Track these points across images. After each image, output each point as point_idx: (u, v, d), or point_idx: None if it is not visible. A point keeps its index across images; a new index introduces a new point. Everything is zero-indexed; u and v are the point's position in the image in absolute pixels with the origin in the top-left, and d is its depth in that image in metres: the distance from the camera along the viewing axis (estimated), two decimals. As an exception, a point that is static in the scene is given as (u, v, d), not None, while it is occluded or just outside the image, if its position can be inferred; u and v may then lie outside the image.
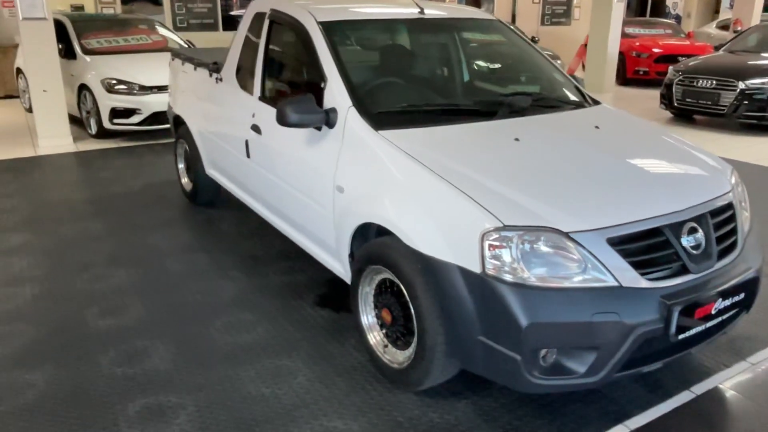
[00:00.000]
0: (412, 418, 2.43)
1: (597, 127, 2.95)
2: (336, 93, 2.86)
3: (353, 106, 2.78)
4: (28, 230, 4.46)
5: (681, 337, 2.22)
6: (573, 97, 3.38)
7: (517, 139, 2.66)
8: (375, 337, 2.70)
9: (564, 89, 3.47)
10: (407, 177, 2.44)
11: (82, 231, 4.45)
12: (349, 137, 2.75)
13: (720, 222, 2.46)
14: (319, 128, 2.90)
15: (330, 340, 2.99)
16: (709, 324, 2.31)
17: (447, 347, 2.31)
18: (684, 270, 2.26)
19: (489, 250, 2.11)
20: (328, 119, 2.83)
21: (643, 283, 2.17)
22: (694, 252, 2.30)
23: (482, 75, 3.68)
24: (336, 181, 2.78)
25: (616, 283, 2.13)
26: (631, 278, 2.15)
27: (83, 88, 7.19)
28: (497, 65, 3.83)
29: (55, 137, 6.93)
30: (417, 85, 3.32)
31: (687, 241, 2.28)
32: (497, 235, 2.11)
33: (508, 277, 2.10)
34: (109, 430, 2.36)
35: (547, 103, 3.21)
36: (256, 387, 2.63)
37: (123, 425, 2.39)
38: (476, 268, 2.14)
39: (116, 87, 6.92)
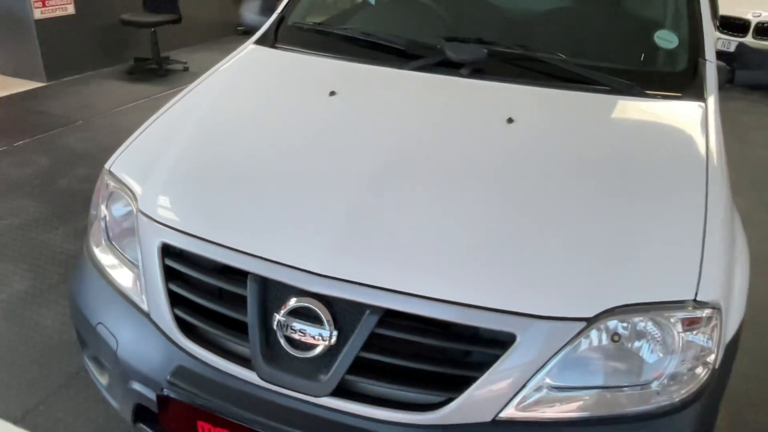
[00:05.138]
0: None
1: (510, 120, 1.62)
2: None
3: (283, 12, 2.33)
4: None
5: None
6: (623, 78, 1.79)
7: (333, 93, 1.78)
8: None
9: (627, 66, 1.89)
10: None
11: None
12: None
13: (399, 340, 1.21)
14: None
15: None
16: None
17: None
18: (246, 361, 1.29)
19: (103, 191, 1.68)
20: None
21: (174, 330, 1.36)
22: (290, 350, 1.25)
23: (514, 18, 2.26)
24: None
25: (145, 307, 1.42)
26: (159, 313, 1.38)
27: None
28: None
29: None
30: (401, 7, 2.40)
31: (280, 323, 1.24)
32: (104, 179, 1.66)
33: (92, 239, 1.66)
34: None
35: (551, 70, 1.82)
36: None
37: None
38: None
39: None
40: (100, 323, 1.48)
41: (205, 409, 1.27)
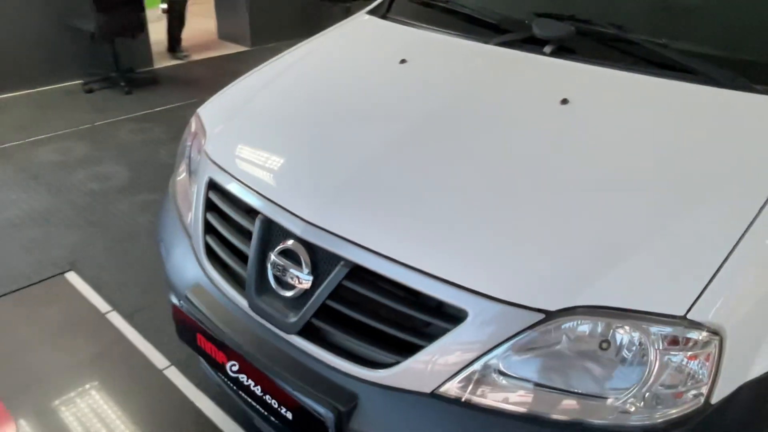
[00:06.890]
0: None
1: (565, 101, 1.49)
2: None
3: (404, -16, 2.39)
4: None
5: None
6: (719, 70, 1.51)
7: (403, 61, 1.80)
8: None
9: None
10: None
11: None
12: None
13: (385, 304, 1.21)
14: None
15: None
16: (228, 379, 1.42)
17: None
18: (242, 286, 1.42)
19: (191, 131, 1.92)
20: None
21: (202, 254, 1.54)
22: (276, 287, 1.35)
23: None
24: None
25: (190, 231, 1.62)
26: (196, 237, 1.57)
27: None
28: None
29: None
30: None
31: (272, 261, 1.35)
32: (193, 121, 1.89)
33: (177, 171, 1.92)
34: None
35: (638, 52, 1.62)
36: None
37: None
38: None
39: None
40: (161, 240, 1.73)
41: (202, 325, 1.44)
